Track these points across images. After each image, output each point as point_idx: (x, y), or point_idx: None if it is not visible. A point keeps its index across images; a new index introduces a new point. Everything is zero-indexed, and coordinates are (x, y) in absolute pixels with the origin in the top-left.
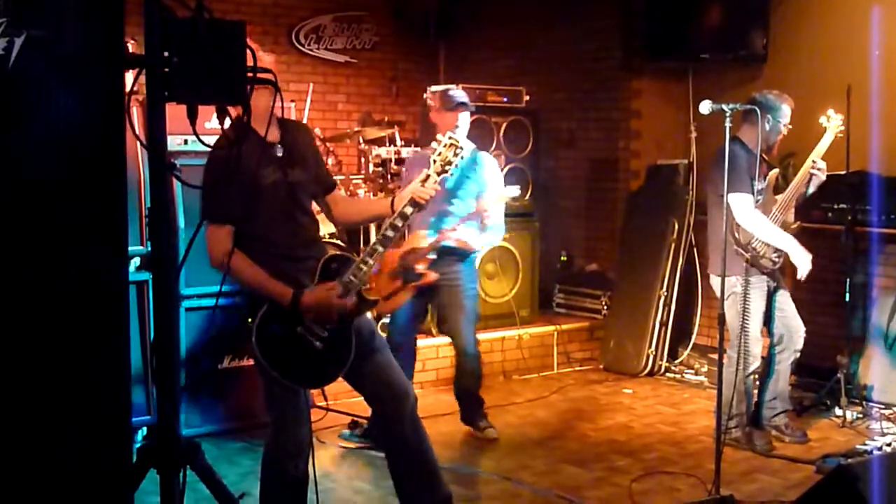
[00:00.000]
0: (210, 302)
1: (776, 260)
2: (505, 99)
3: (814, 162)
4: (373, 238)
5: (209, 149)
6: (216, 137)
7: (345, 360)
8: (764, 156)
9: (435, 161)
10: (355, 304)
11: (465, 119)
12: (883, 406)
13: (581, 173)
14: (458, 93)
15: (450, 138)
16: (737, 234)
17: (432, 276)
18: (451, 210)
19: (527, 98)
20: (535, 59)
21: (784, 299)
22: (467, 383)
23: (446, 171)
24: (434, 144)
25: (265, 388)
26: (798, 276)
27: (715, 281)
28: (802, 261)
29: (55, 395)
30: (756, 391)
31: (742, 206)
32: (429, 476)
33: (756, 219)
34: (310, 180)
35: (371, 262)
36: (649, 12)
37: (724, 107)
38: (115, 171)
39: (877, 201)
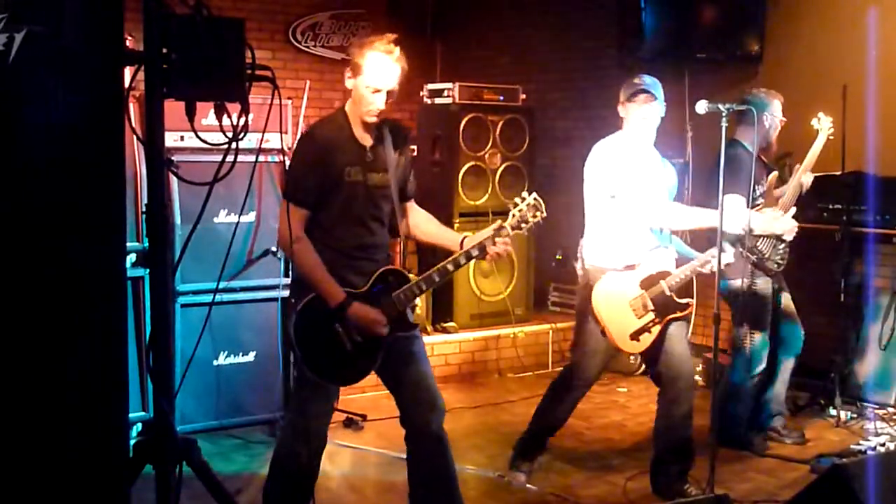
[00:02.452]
0: (206, 298)
1: (781, 263)
2: (501, 97)
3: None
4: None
5: (207, 145)
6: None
7: (367, 370)
8: (762, 157)
9: (514, 215)
10: (394, 321)
11: (650, 111)
12: (877, 406)
13: (577, 172)
14: (646, 78)
15: (535, 199)
16: (756, 238)
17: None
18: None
19: (523, 97)
20: (531, 58)
21: (786, 302)
22: None
23: (520, 229)
24: (517, 199)
25: (296, 376)
26: (787, 238)
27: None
28: (790, 229)
29: (52, 390)
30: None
31: (731, 207)
32: (447, 490)
33: (742, 218)
34: (392, 187)
35: (425, 287)
36: (645, 11)
37: (720, 106)
38: (113, 166)
39: (872, 202)
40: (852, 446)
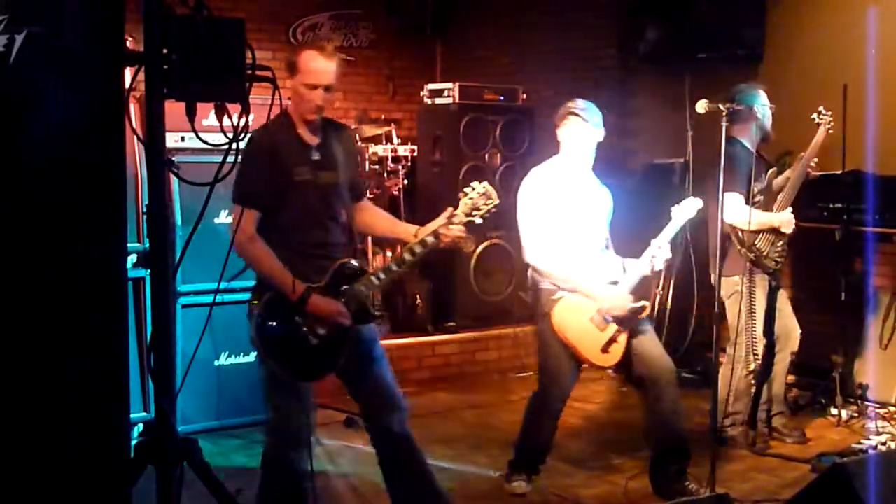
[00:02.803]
0: (206, 298)
1: (778, 261)
2: (501, 98)
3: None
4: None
5: (207, 146)
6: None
7: (335, 363)
8: (762, 153)
9: (465, 203)
10: (356, 314)
11: (581, 135)
12: (878, 405)
13: None
14: (580, 102)
15: (484, 187)
16: (740, 234)
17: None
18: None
19: (523, 97)
20: (531, 58)
21: (782, 300)
22: None
23: (472, 216)
24: (468, 188)
25: (264, 379)
26: (786, 232)
27: (722, 281)
28: (787, 221)
29: (53, 391)
30: (752, 391)
31: (730, 205)
32: (422, 481)
33: (742, 214)
34: (343, 185)
35: (383, 277)
36: (646, 11)
37: (720, 106)
38: (114, 167)
39: (872, 201)
40: (853, 445)
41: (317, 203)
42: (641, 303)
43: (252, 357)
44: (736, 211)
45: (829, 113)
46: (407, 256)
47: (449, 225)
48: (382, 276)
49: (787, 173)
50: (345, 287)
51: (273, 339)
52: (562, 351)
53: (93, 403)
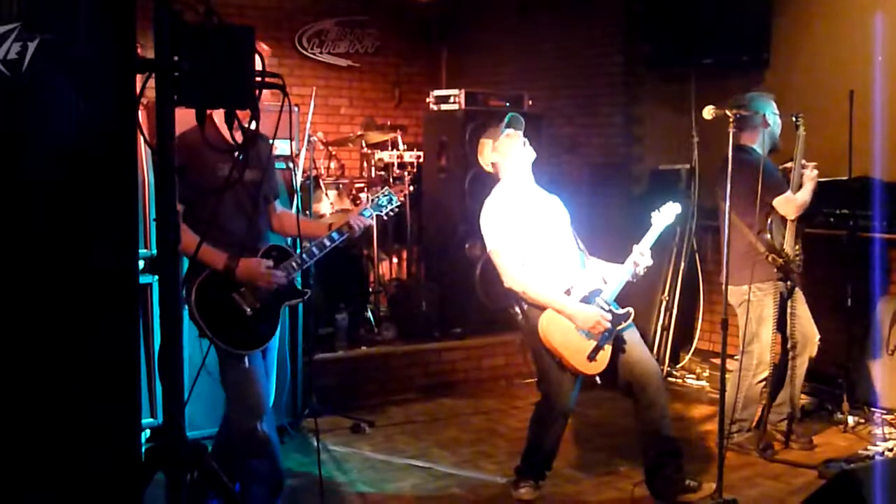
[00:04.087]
0: None
1: (800, 264)
2: (507, 104)
3: (802, 165)
4: None
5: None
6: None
7: (271, 332)
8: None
9: (373, 199)
10: (287, 287)
11: (513, 151)
12: (885, 411)
13: (583, 178)
14: (509, 120)
15: (394, 183)
16: (769, 240)
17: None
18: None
19: (529, 103)
20: (536, 64)
21: (800, 305)
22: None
23: (381, 210)
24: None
25: (218, 360)
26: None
27: (732, 289)
28: (812, 176)
29: (65, 396)
30: (762, 397)
31: (792, 203)
32: None
33: (802, 205)
34: (262, 183)
35: (307, 258)
36: (651, 17)
37: (727, 112)
38: (126, 173)
39: (879, 207)
40: (860, 452)
41: (240, 197)
42: (625, 310)
43: None
44: (795, 204)
45: (801, 113)
46: (326, 242)
47: (360, 214)
48: (306, 257)
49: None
50: (274, 266)
51: (210, 315)
52: (554, 361)
53: (105, 408)
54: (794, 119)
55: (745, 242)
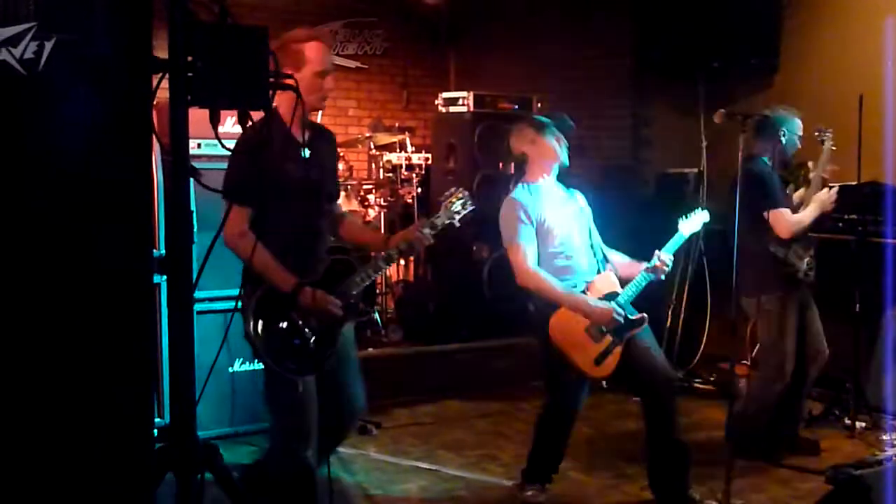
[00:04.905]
0: (221, 305)
1: (809, 273)
2: (516, 106)
3: (824, 171)
4: None
5: (228, 152)
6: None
7: (324, 360)
8: (780, 172)
9: (446, 209)
10: (347, 310)
11: (550, 146)
12: (893, 416)
13: (591, 181)
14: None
15: (462, 191)
16: (787, 250)
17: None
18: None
19: (537, 105)
20: (545, 66)
21: (813, 318)
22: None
23: (454, 218)
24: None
25: (266, 380)
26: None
27: (747, 300)
28: (823, 200)
29: (80, 395)
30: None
31: (784, 221)
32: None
33: (795, 224)
34: (327, 184)
35: (373, 276)
36: (660, 20)
37: (738, 116)
38: (142, 173)
39: (889, 212)
40: (869, 457)
41: (305, 200)
42: (639, 315)
43: None
44: (787, 222)
45: (830, 129)
46: (382, 264)
47: (423, 230)
48: (372, 273)
49: (800, 192)
50: (337, 284)
51: (267, 336)
52: (562, 362)
53: (119, 408)
54: (817, 134)
55: (759, 251)
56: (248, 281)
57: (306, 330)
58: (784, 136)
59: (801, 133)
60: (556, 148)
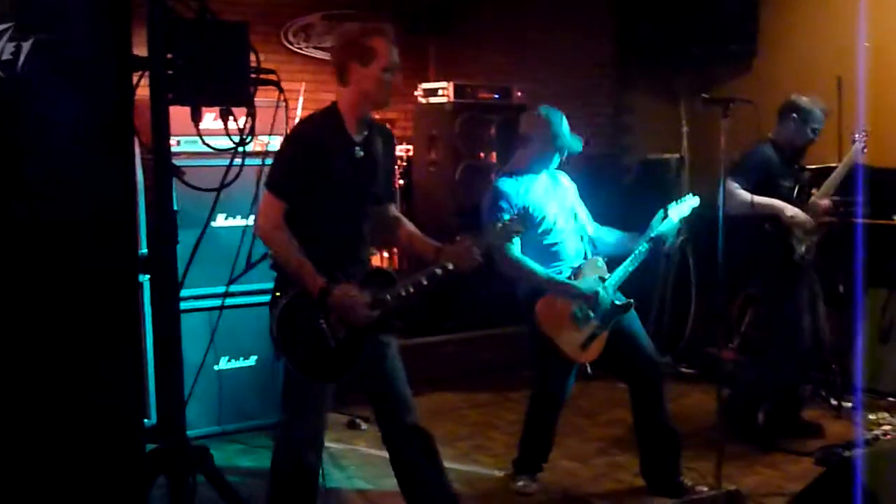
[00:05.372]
0: (206, 304)
1: (808, 258)
2: (496, 96)
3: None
4: None
5: (212, 150)
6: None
7: (350, 367)
8: (794, 160)
9: (498, 228)
10: (377, 320)
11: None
12: (878, 396)
13: (572, 168)
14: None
15: (525, 208)
16: (784, 231)
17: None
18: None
19: (518, 95)
20: (525, 55)
21: (818, 306)
22: None
23: (509, 240)
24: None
25: (284, 375)
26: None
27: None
28: (793, 213)
29: (70, 396)
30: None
31: (729, 193)
32: (434, 481)
33: (738, 200)
34: (377, 188)
35: (412, 290)
36: (641, 7)
37: (718, 101)
38: (123, 172)
39: (866, 193)
40: (856, 438)
41: (350, 201)
42: (626, 301)
43: (252, 361)
44: (731, 196)
45: (866, 131)
46: (438, 271)
47: (474, 248)
48: (412, 289)
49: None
50: (375, 292)
51: (292, 337)
52: (549, 347)
53: (109, 409)
54: (854, 136)
55: (753, 228)
56: (281, 278)
57: (330, 339)
58: (794, 122)
59: (816, 125)
60: (553, 157)
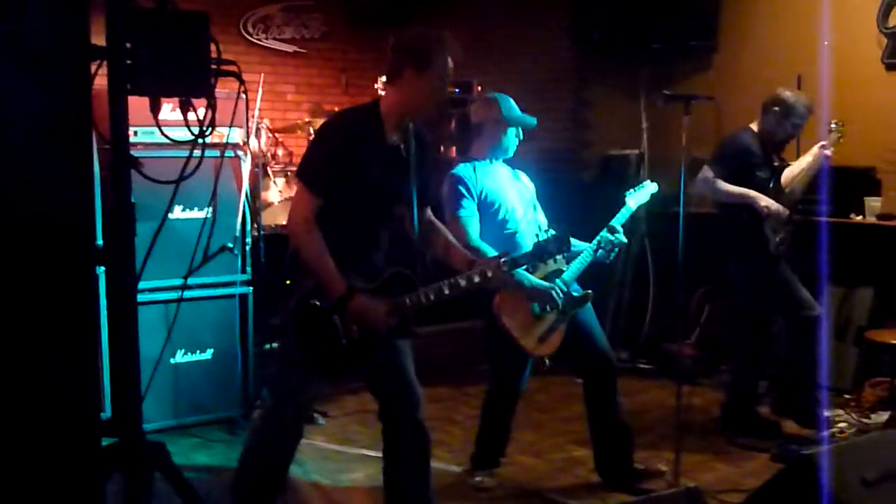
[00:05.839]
0: (162, 296)
1: (781, 248)
2: (456, 90)
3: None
4: None
5: (170, 141)
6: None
7: (359, 368)
8: (773, 151)
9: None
10: (395, 327)
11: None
12: (834, 392)
13: (532, 164)
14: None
15: (566, 233)
16: (761, 221)
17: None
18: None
19: (478, 89)
20: (486, 50)
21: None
22: None
23: (543, 262)
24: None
25: (280, 361)
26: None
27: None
28: (766, 203)
29: (24, 391)
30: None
31: (700, 178)
32: (421, 484)
33: (708, 186)
34: (412, 190)
35: (433, 298)
36: (600, 3)
37: (679, 97)
38: (82, 163)
39: (826, 191)
40: (813, 435)
41: (380, 203)
42: (584, 293)
43: (209, 354)
44: (700, 181)
45: (843, 123)
46: (462, 283)
47: (503, 267)
48: (432, 296)
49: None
50: (394, 296)
51: (305, 330)
52: (505, 340)
53: (64, 403)
54: (832, 126)
55: (732, 216)
56: (298, 270)
57: (343, 338)
58: (774, 116)
59: (797, 120)
60: (510, 140)
